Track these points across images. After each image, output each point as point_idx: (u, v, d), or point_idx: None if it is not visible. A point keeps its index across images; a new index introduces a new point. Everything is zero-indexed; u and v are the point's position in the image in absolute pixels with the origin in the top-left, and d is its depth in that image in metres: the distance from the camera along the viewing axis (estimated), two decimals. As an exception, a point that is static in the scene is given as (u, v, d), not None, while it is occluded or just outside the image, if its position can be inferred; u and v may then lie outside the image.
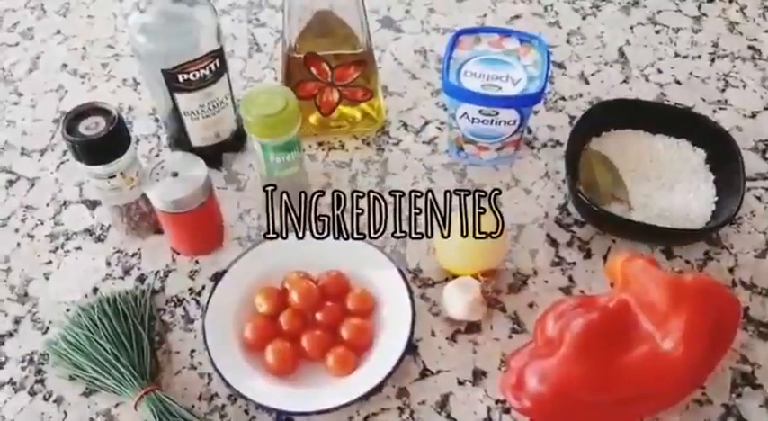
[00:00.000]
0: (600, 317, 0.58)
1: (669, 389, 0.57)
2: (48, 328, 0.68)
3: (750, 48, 0.90)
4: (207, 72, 0.69)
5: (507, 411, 0.62)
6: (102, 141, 0.63)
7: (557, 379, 0.57)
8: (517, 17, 0.95)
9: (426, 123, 0.84)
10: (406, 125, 0.83)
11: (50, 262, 0.73)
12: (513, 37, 0.75)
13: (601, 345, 0.57)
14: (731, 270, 0.70)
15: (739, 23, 0.93)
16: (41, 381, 0.65)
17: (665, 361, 0.56)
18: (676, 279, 0.59)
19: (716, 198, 0.72)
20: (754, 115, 0.83)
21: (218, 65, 0.70)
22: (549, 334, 0.59)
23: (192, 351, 0.67)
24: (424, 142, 0.82)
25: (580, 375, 0.56)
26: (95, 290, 0.71)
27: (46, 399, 0.64)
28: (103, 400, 0.64)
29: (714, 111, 0.83)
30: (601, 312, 0.58)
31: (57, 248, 0.74)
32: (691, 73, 0.88)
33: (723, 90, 0.86)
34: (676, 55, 0.90)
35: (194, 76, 0.69)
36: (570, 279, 0.70)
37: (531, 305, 0.68)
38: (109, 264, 0.72)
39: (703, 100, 0.85)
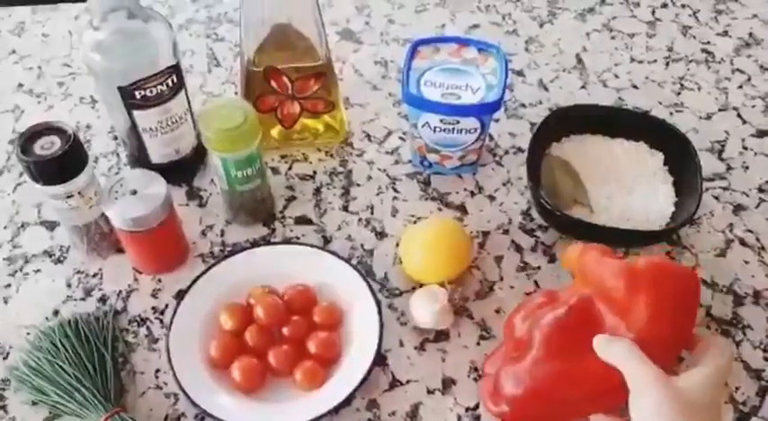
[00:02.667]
0: (566, 315, 0.58)
1: None
2: (8, 353, 0.67)
3: (703, 51, 0.92)
4: (164, 88, 0.68)
5: (477, 418, 0.62)
6: (58, 161, 0.61)
7: (531, 380, 0.57)
8: (476, 26, 0.95)
9: (389, 134, 0.84)
10: (369, 136, 0.83)
11: (9, 285, 0.71)
12: (471, 46, 0.76)
13: (569, 343, 0.57)
14: (693, 269, 0.71)
15: (692, 27, 0.95)
16: (3, 407, 0.63)
17: None
18: (629, 266, 0.58)
19: (675, 199, 0.73)
20: (709, 117, 0.85)
21: (175, 80, 0.69)
22: (518, 335, 0.59)
23: (157, 371, 0.65)
24: (387, 152, 0.82)
25: (552, 374, 0.56)
26: (56, 312, 0.69)
27: (7, 427, 0.63)
28: (67, 425, 0.62)
29: (671, 114, 0.85)
30: (566, 310, 0.58)
31: (15, 271, 0.72)
32: (647, 77, 0.89)
33: (679, 93, 0.87)
34: (632, 60, 0.91)
35: (151, 92, 0.68)
36: (536, 283, 0.71)
37: (498, 311, 0.69)
38: (69, 285, 0.71)
39: (660, 103, 0.86)
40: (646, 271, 0.57)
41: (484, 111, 0.71)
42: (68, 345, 0.64)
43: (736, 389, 0.64)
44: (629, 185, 0.74)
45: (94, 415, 0.60)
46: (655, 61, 0.91)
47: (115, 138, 0.83)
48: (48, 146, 0.62)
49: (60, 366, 0.63)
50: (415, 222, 0.75)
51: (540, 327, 0.58)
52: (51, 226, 0.75)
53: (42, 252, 0.74)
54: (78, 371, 0.63)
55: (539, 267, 0.72)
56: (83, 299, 0.70)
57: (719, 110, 0.86)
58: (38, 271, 0.72)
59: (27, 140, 0.62)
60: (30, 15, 0.98)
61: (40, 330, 0.67)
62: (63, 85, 0.89)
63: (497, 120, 0.84)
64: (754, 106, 0.86)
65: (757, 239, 0.74)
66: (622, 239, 0.71)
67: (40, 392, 0.63)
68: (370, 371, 0.62)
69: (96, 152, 0.82)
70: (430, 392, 0.64)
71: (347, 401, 0.62)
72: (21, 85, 0.90)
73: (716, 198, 0.77)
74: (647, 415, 0.50)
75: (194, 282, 0.68)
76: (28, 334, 0.67)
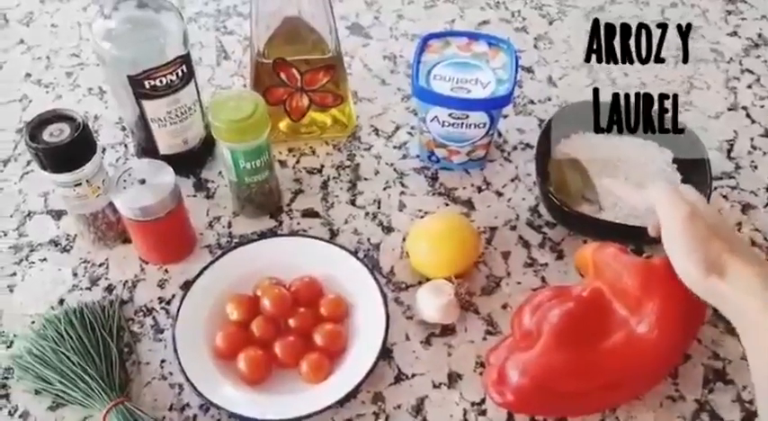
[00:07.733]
0: (576, 307, 0.58)
1: (647, 372, 0.58)
2: (12, 342, 0.66)
3: (713, 50, 0.92)
4: (174, 78, 0.68)
5: (483, 413, 0.62)
6: (66, 148, 0.61)
7: (538, 370, 0.57)
8: (485, 23, 0.95)
9: (397, 128, 0.84)
10: (377, 130, 0.83)
11: (15, 274, 0.71)
12: (481, 41, 0.75)
13: (578, 334, 0.57)
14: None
15: (702, 27, 0.95)
16: (6, 396, 0.63)
17: (641, 344, 0.56)
18: (646, 263, 0.59)
19: (684, 197, 0.73)
20: (718, 116, 0.85)
21: (185, 70, 0.69)
22: (527, 326, 0.59)
23: (163, 361, 0.65)
24: (395, 147, 0.82)
25: (560, 365, 0.56)
26: (62, 301, 0.69)
27: (11, 414, 0.62)
28: (71, 414, 0.62)
29: (680, 113, 0.84)
30: (576, 301, 0.58)
31: (21, 260, 0.72)
32: (656, 75, 0.89)
33: (688, 92, 0.87)
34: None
35: (161, 82, 0.68)
36: (543, 279, 0.70)
37: (504, 306, 0.68)
38: (75, 274, 0.71)
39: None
40: (662, 270, 0.57)
41: (493, 106, 0.71)
42: (73, 334, 0.64)
43: (744, 388, 0.63)
44: (637, 183, 0.74)
45: (98, 404, 0.60)
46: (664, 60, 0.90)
47: (123, 128, 0.83)
48: (57, 133, 0.62)
49: (65, 355, 0.63)
50: (422, 217, 0.75)
51: (549, 318, 0.58)
52: (58, 215, 0.75)
53: (48, 241, 0.73)
54: (83, 359, 0.63)
55: (546, 264, 0.72)
56: (89, 288, 0.70)
57: (728, 109, 0.86)
58: (44, 259, 0.72)
59: (36, 127, 0.62)
60: (38, 5, 0.98)
61: (45, 318, 0.67)
62: (71, 76, 0.89)
63: (506, 116, 0.84)
64: (762, 106, 0.86)
65: (765, 239, 0.73)
66: (630, 236, 0.70)
67: (43, 381, 0.63)
68: (375, 365, 0.62)
69: (104, 143, 0.82)
70: (435, 386, 0.64)
71: (352, 394, 0.62)
72: (29, 75, 0.90)
73: (724, 197, 0.77)
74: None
75: (201, 272, 0.68)
76: (32, 322, 0.67)
